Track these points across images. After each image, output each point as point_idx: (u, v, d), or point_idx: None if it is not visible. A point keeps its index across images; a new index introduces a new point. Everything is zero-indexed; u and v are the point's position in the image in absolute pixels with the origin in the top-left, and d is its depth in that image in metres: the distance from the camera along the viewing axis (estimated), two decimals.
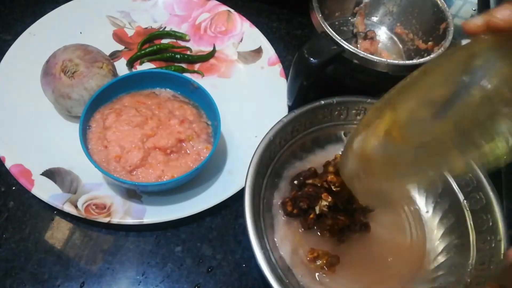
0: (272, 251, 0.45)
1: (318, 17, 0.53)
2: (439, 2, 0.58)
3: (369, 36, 0.62)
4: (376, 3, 0.65)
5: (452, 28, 0.55)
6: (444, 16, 0.57)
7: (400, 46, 0.65)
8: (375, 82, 0.54)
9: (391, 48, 0.65)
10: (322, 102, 0.52)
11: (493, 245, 0.44)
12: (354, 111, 0.53)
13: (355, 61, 0.52)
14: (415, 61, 0.53)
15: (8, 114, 0.57)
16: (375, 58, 0.51)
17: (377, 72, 0.52)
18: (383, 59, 0.51)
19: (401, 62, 0.53)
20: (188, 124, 0.53)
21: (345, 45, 0.51)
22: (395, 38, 0.65)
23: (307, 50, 0.51)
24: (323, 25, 0.52)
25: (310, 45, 0.51)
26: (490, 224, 0.45)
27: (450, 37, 0.54)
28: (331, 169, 0.48)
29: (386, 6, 0.65)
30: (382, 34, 0.66)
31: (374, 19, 0.67)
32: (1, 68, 0.60)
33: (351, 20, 0.66)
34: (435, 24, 0.58)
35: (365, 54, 0.51)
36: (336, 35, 0.52)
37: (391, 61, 0.52)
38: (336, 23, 0.66)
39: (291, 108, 0.62)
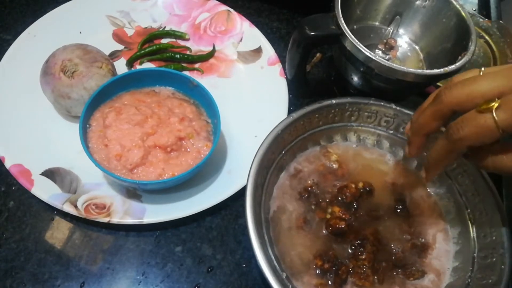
0: (273, 250, 0.44)
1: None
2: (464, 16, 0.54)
3: (390, 45, 0.61)
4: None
5: (475, 41, 0.52)
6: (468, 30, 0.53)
7: (421, 55, 0.61)
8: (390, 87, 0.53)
9: (408, 58, 0.62)
10: (334, 101, 0.51)
11: (490, 281, 0.43)
12: (366, 114, 0.52)
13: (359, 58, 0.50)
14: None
15: (7, 114, 0.57)
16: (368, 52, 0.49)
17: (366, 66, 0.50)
18: (374, 57, 0.49)
19: (394, 66, 0.49)
20: (188, 122, 0.53)
21: (345, 30, 0.50)
22: (417, 47, 0.62)
23: (307, 20, 0.51)
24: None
25: (312, 18, 0.52)
26: (494, 259, 0.44)
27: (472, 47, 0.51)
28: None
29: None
30: (403, 43, 0.62)
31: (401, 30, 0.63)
32: (0, 68, 0.60)
33: (383, 30, 0.62)
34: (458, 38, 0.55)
35: (362, 47, 0.49)
36: (343, 22, 0.50)
37: (385, 62, 0.49)
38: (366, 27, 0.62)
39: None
